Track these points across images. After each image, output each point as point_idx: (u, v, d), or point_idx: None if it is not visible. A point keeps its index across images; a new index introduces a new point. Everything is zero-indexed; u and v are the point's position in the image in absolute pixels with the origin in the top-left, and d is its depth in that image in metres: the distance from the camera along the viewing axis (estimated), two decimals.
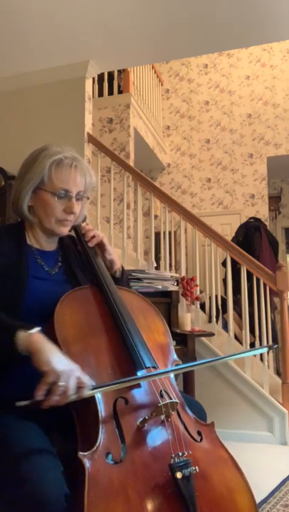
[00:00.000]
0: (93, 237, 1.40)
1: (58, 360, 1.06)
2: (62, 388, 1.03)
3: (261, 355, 3.67)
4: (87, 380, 1.07)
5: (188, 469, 1.04)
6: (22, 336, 1.09)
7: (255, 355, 3.72)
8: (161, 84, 6.79)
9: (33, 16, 3.35)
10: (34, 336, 1.09)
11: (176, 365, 1.33)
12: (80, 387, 1.05)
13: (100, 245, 1.42)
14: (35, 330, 1.10)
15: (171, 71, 6.86)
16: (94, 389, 1.07)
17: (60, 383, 1.03)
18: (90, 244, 1.40)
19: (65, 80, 4.02)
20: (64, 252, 1.43)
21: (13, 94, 4.16)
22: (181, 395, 1.26)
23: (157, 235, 4.38)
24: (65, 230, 1.36)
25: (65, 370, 1.05)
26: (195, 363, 1.25)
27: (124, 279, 1.47)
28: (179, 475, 1.02)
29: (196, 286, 3.37)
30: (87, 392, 1.06)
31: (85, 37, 3.63)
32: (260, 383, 3.47)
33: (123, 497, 0.99)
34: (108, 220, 4.23)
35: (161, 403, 1.11)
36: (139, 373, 1.16)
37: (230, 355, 1.31)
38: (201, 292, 4.08)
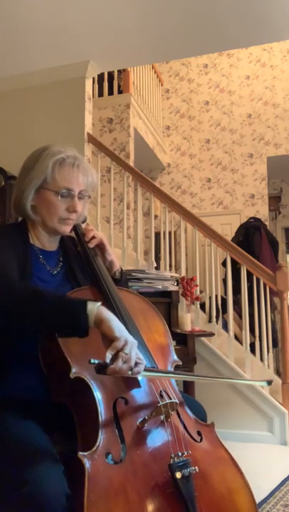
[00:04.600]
0: (93, 237, 1.40)
1: (126, 331, 1.13)
2: (126, 356, 1.07)
3: (261, 355, 3.67)
4: (143, 359, 1.13)
5: (188, 469, 1.04)
6: (92, 306, 1.11)
7: (255, 355, 3.72)
8: (161, 84, 6.79)
9: (33, 16, 3.35)
10: (103, 307, 1.13)
11: (176, 365, 1.33)
12: (137, 362, 1.10)
13: (100, 246, 1.42)
14: (100, 303, 1.14)
15: (171, 71, 6.86)
16: (147, 371, 1.13)
17: (126, 351, 1.07)
18: (90, 245, 1.39)
19: (65, 79, 4.01)
20: (64, 252, 1.44)
21: (13, 94, 4.16)
22: (181, 395, 1.27)
23: (157, 235, 4.38)
24: (67, 229, 1.36)
25: (132, 340, 1.11)
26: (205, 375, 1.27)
27: (123, 280, 1.48)
28: (178, 475, 1.03)
29: (196, 286, 3.37)
30: (142, 369, 1.11)
31: (85, 37, 3.62)
32: None
33: (123, 497, 0.99)
34: (108, 220, 4.23)
35: (161, 403, 1.11)
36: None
37: (233, 379, 1.40)
38: (201, 292, 4.08)
